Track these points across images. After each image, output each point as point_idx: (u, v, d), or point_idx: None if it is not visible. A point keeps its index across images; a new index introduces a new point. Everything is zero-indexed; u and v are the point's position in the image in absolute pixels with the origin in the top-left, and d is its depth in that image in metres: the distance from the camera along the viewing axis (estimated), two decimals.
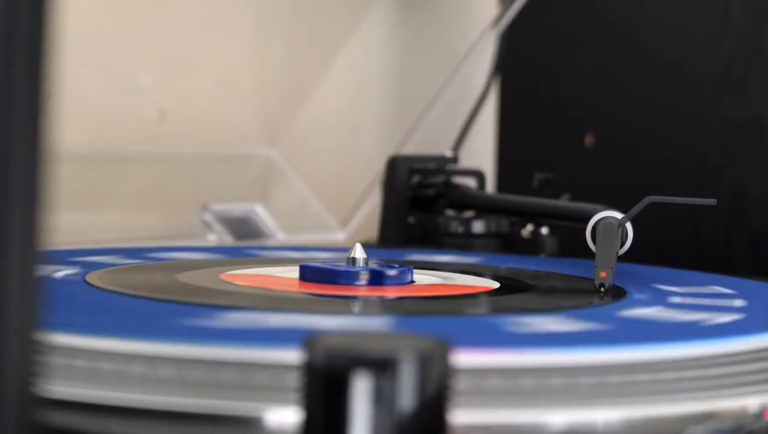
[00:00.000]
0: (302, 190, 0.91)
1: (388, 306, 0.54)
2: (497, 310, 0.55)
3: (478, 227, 0.79)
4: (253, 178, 0.91)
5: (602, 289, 0.56)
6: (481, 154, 0.95)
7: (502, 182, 0.91)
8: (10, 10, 0.27)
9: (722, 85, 0.80)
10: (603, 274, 0.56)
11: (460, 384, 0.33)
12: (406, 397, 0.30)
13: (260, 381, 0.37)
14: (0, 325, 0.27)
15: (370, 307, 0.54)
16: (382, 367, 0.30)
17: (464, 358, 0.35)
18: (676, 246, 0.81)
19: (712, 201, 0.58)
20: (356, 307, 0.53)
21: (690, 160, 0.82)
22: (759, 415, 0.37)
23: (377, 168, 0.85)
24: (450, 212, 0.81)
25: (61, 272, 0.56)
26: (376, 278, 0.56)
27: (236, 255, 0.70)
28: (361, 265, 0.56)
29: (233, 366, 0.37)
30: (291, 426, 0.33)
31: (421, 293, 0.55)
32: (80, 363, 0.38)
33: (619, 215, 0.60)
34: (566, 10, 0.90)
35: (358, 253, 0.57)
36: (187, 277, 0.57)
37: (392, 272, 0.56)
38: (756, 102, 0.79)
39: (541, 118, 0.91)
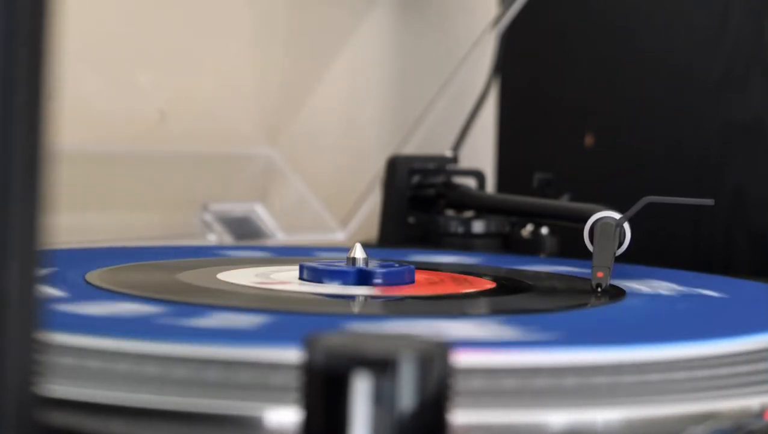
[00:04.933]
0: (302, 190, 0.91)
1: (388, 306, 0.54)
2: (497, 310, 0.55)
3: (478, 227, 0.79)
4: (253, 178, 0.91)
5: (599, 289, 0.56)
6: (481, 154, 0.95)
7: (502, 182, 0.91)
8: (10, 11, 0.27)
9: (722, 85, 0.80)
10: (600, 274, 0.56)
11: (460, 383, 0.33)
12: (406, 397, 0.30)
13: (260, 381, 0.37)
14: (0, 325, 0.27)
15: (370, 307, 0.54)
16: (382, 367, 0.30)
17: (464, 358, 0.35)
18: (676, 246, 0.81)
19: (710, 201, 0.58)
20: (356, 307, 0.53)
21: (690, 160, 0.82)
22: (759, 415, 0.37)
23: (377, 168, 0.85)
24: (450, 212, 0.81)
25: (62, 272, 0.56)
26: (376, 278, 0.56)
27: (236, 255, 0.70)
28: (361, 265, 0.56)
29: (233, 366, 0.37)
30: (291, 426, 0.33)
31: (421, 293, 0.55)
32: (80, 363, 0.38)
33: (617, 216, 0.60)
34: (566, 10, 0.90)
35: (358, 253, 0.57)
36: (186, 277, 0.57)
37: (392, 272, 0.56)
38: (756, 102, 0.79)
39: (541, 118, 0.91)
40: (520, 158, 0.91)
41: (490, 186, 0.88)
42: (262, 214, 0.86)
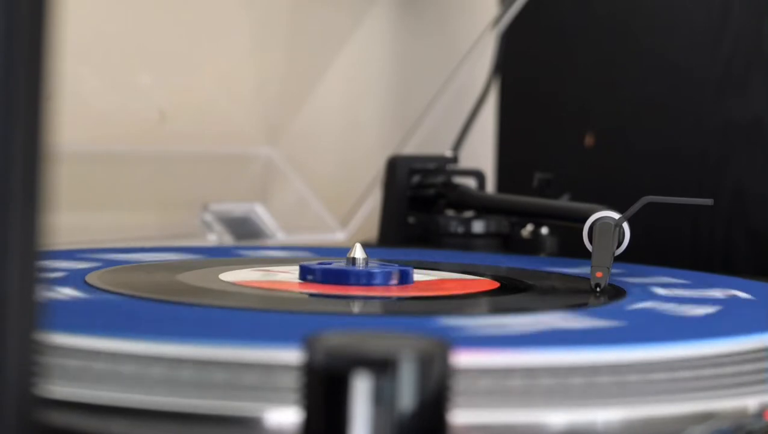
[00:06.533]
0: (302, 190, 0.91)
1: (388, 306, 0.54)
2: (497, 310, 0.55)
3: (478, 227, 0.79)
4: (253, 178, 0.91)
5: (598, 289, 0.56)
6: (481, 154, 0.95)
7: (502, 182, 0.91)
8: (10, 10, 0.27)
9: (722, 85, 0.80)
10: (599, 274, 0.56)
11: (460, 383, 0.33)
12: (406, 397, 0.30)
13: (260, 381, 0.37)
14: (0, 325, 0.27)
15: (370, 307, 0.54)
16: (382, 367, 0.30)
17: (464, 358, 0.35)
18: (676, 246, 0.81)
19: (709, 201, 0.58)
20: (356, 307, 0.53)
21: (690, 160, 0.82)
22: (759, 415, 0.37)
23: (377, 168, 0.85)
24: (450, 212, 0.81)
25: (62, 272, 0.56)
26: (377, 278, 0.56)
27: (236, 255, 0.70)
28: (361, 265, 0.56)
29: (233, 366, 0.37)
30: (291, 426, 0.33)
31: (421, 293, 0.55)
32: (80, 363, 0.38)
33: (616, 215, 0.60)
34: (566, 10, 0.90)
35: (358, 253, 0.57)
36: (186, 277, 0.57)
37: (392, 272, 0.56)
38: (756, 102, 0.79)
39: (541, 118, 0.91)
40: (520, 158, 0.91)
41: (490, 186, 0.88)
42: (262, 214, 0.86)
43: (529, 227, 0.79)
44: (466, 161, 0.87)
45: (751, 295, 0.56)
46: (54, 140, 0.28)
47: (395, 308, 0.54)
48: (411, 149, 0.89)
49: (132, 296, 0.50)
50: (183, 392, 0.36)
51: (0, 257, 0.27)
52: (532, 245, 0.78)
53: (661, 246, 0.81)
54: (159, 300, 0.49)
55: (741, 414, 0.37)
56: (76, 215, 0.75)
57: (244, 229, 0.84)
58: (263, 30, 0.92)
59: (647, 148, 0.84)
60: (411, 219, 0.81)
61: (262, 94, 0.92)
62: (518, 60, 0.93)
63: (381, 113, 1.00)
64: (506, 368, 0.38)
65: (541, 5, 0.90)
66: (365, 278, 0.56)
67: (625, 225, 0.60)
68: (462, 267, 0.65)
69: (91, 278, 0.55)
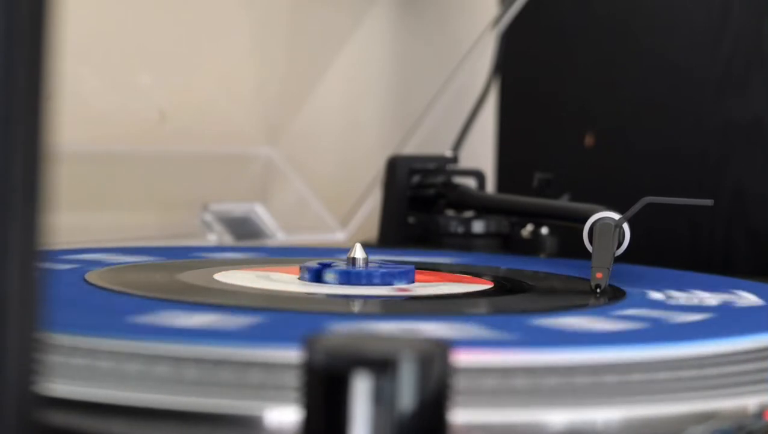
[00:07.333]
0: (302, 190, 0.91)
1: (388, 306, 0.54)
2: (497, 310, 0.55)
3: (478, 227, 0.79)
4: (253, 178, 0.91)
5: (598, 290, 0.56)
6: (481, 154, 0.95)
7: (502, 182, 0.91)
8: (10, 10, 0.27)
9: (722, 85, 0.80)
10: (599, 275, 0.56)
11: (460, 383, 0.33)
12: (406, 397, 0.30)
13: (260, 380, 0.37)
14: (0, 325, 0.27)
15: (370, 307, 0.54)
16: (382, 367, 0.30)
17: (464, 358, 0.35)
18: (676, 246, 0.81)
19: (709, 202, 0.58)
20: (356, 307, 0.53)
21: (690, 160, 0.82)
22: (759, 415, 0.37)
23: (377, 168, 0.85)
24: (450, 212, 0.81)
25: (61, 272, 0.56)
26: (376, 278, 0.56)
27: (236, 255, 0.70)
28: (360, 265, 0.56)
29: (233, 366, 0.37)
30: (291, 426, 0.33)
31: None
32: (79, 362, 0.38)
33: (616, 216, 0.60)
34: (566, 10, 0.90)
35: (358, 253, 0.57)
36: (186, 277, 0.57)
37: (392, 272, 0.56)
38: (756, 102, 0.79)
39: (541, 118, 0.91)
40: (520, 158, 0.91)
41: (490, 186, 0.88)
42: (262, 214, 0.86)
43: (529, 227, 0.79)
44: (466, 161, 0.87)
45: (751, 295, 0.56)
46: (54, 140, 0.28)
47: (395, 308, 0.54)
48: (411, 149, 0.89)
49: (132, 296, 0.50)
50: (183, 391, 0.36)
51: (0, 257, 0.27)
52: (532, 245, 0.78)
53: (661, 247, 0.81)
54: (158, 299, 0.49)
55: (741, 414, 0.37)
56: (76, 215, 0.75)
57: (244, 229, 0.85)
58: (263, 30, 0.92)
59: (647, 148, 0.84)
60: (411, 219, 0.81)
61: (262, 94, 0.92)
62: (518, 60, 0.93)
63: (381, 113, 1.00)
64: (505, 367, 0.38)
65: (541, 5, 0.90)
66: (365, 278, 0.56)
67: (626, 226, 0.60)
68: (462, 267, 0.65)
69: (91, 278, 0.55)
